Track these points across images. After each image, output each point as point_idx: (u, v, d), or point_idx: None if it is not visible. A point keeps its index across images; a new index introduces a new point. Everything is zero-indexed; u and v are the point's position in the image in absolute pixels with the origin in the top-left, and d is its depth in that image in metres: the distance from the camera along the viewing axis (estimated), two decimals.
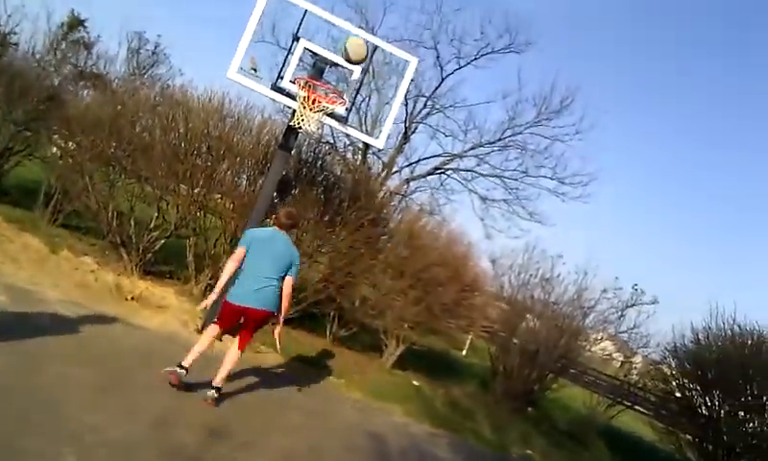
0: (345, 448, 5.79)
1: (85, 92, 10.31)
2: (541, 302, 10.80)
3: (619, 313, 11.12)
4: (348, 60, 7.40)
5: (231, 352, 5.86)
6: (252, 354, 7.53)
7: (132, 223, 8.69)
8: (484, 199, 17.58)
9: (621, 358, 12.47)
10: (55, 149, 10.06)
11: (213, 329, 5.81)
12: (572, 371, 11.50)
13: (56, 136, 9.84)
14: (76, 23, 10.39)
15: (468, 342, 13.65)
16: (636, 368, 12.05)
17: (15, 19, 9.50)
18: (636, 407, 12.19)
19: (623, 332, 11.38)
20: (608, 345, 12.52)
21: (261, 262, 5.73)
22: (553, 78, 28.08)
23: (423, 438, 7.21)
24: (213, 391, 5.57)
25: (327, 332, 9.32)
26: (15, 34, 9.64)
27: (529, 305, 10.90)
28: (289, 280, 5.82)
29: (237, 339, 5.94)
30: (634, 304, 11.33)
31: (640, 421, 12.82)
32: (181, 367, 5.47)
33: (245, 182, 9.44)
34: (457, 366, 12.45)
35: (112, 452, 3.98)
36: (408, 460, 6.20)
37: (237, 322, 5.90)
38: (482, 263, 10.69)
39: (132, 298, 7.58)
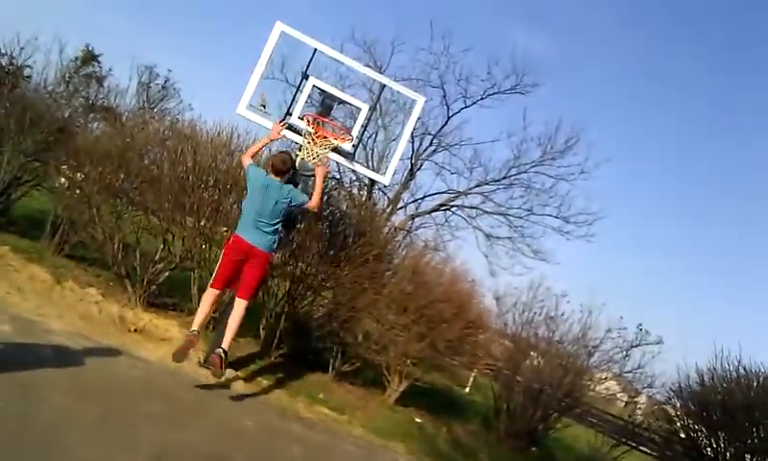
0: None
1: (96, 125, 10.43)
2: (546, 340, 10.76)
3: (624, 353, 11.07)
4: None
5: (236, 313, 6.61)
6: (255, 387, 7.54)
7: (138, 254, 8.72)
8: (488, 236, 17.70)
9: (626, 398, 12.38)
10: (63, 180, 10.13)
11: (211, 294, 6.61)
12: (576, 410, 11.39)
13: (64, 167, 9.92)
14: (89, 58, 10.61)
15: (472, 379, 13.57)
16: (640, 408, 11.95)
17: (28, 52, 9.63)
18: (642, 448, 12.06)
19: (628, 372, 11.31)
20: (612, 384, 12.42)
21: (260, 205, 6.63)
22: (558, 118, 28.33)
23: None
24: (221, 350, 6.31)
25: (330, 367, 9.28)
26: (29, 66, 9.78)
27: (533, 343, 10.87)
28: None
29: (238, 293, 6.65)
30: (638, 345, 11.27)
31: None
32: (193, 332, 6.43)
33: None
34: (460, 403, 12.36)
35: None
36: None
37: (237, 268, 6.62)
38: (486, 300, 10.69)
39: (136, 330, 7.59)
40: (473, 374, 12.77)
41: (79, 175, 9.50)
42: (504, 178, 17.21)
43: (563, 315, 10.74)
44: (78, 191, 9.40)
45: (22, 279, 7.39)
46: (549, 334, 10.75)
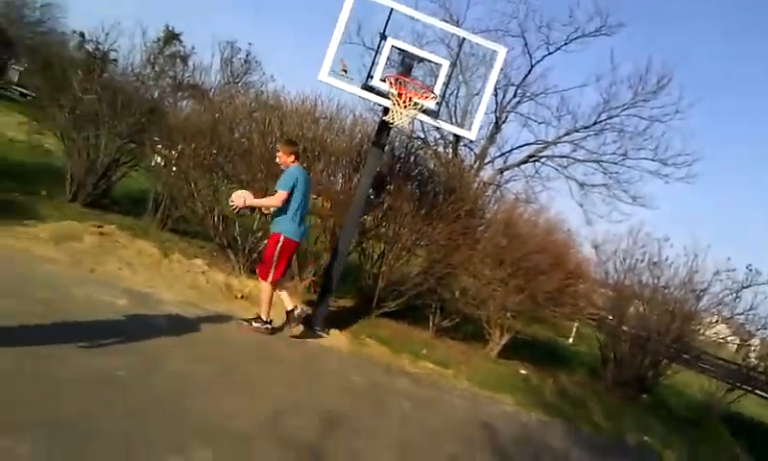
0: (459, 438, 5.75)
1: (184, 103, 10.69)
2: (650, 286, 10.39)
3: (734, 295, 10.55)
4: None
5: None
6: (359, 347, 7.63)
7: (237, 225, 8.96)
8: (582, 185, 17.23)
9: (738, 342, 11.84)
10: (158, 158, 10.49)
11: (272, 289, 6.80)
12: (686, 356, 10.98)
13: (158, 146, 10.26)
14: (171, 37, 10.84)
15: (574, 330, 13.32)
16: (754, 351, 11.40)
17: (113, 37, 9.92)
18: (758, 392, 11.53)
19: (739, 314, 10.78)
20: (722, 328, 11.90)
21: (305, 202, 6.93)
22: (648, 57, 27.13)
23: (536, 427, 7.08)
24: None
25: (430, 324, 9.30)
26: (114, 51, 10.08)
27: (637, 290, 10.52)
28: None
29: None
30: (749, 285, 10.72)
31: (763, 406, 12.16)
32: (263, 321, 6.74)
33: (340, 181, 9.57)
34: (564, 354, 12.16)
35: (236, 443, 4.09)
36: (523, 450, 6.08)
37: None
38: (584, 250, 10.42)
39: (242, 296, 7.83)
40: (576, 324, 12.52)
41: (173, 152, 9.81)
42: (594, 123, 16.65)
43: (666, 260, 10.34)
44: (174, 168, 9.71)
45: (131, 254, 7.70)
46: (653, 280, 10.36)
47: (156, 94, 10.19)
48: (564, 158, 17.27)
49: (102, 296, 5.83)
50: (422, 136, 15.10)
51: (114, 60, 10.02)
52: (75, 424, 3.60)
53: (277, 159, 7.02)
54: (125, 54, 10.07)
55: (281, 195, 6.71)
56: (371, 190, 8.22)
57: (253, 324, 6.74)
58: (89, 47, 9.96)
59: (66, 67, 9.72)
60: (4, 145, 13.49)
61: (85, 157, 9.48)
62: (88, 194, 9.52)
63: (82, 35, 10.07)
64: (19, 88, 40.43)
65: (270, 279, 6.71)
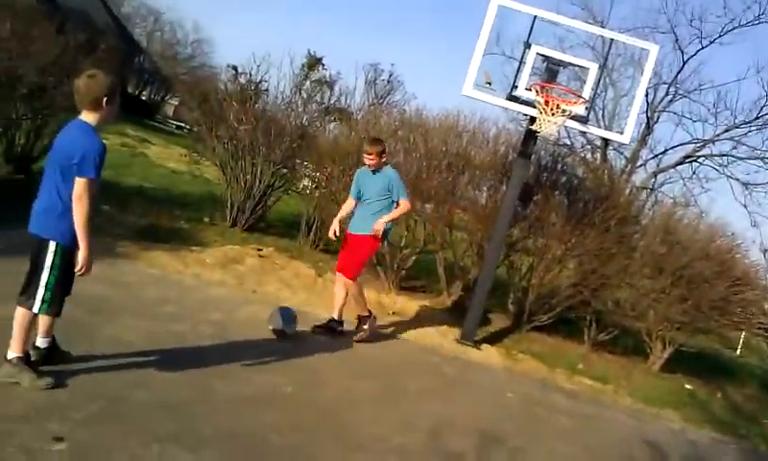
0: (624, 457, 5.51)
1: (331, 126, 11.04)
2: None
3: None
4: None
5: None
6: (512, 362, 7.52)
7: (386, 243, 9.13)
8: (745, 184, 16.06)
9: None
10: (306, 181, 10.90)
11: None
12: None
13: (308, 170, 10.65)
14: (314, 62, 11.18)
15: (741, 340, 12.42)
16: None
17: (263, 68, 10.43)
18: None
19: None
20: None
21: None
22: None
23: (707, 445, 6.65)
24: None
25: (585, 337, 8.99)
26: (265, 81, 10.59)
27: None
28: None
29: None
30: None
31: None
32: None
33: (486, 194, 9.52)
34: (731, 366, 11.36)
35: (398, 458, 4.15)
36: None
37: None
38: (751, 255, 9.68)
39: (394, 313, 7.96)
40: (742, 334, 11.67)
41: (322, 175, 10.15)
42: (756, 118, 15.45)
43: None
44: (324, 190, 10.06)
45: (288, 275, 8.05)
46: None
47: (305, 120, 10.59)
48: (724, 157, 16.17)
49: (264, 315, 6.11)
50: (569, 143, 14.72)
51: (266, 90, 10.53)
52: (247, 439, 3.79)
53: (369, 162, 6.41)
54: (275, 83, 10.56)
55: (408, 201, 6.55)
56: (517, 202, 8.08)
57: (363, 327, 6.60)
58: (242, 79, 10.54)
59: (222, 100, 10.35)
60: (168, 176, 14.54)
61: (243, 184, 10.02)
62: (247, 219, 10.05)
63: (234, 68, 10.66)
64: (175, 122, 43.57)
65: (355, 276, 6.50)
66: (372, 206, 6.42)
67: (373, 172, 6.43)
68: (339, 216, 6.63)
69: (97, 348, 4.41)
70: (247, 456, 3.60)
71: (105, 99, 3.60)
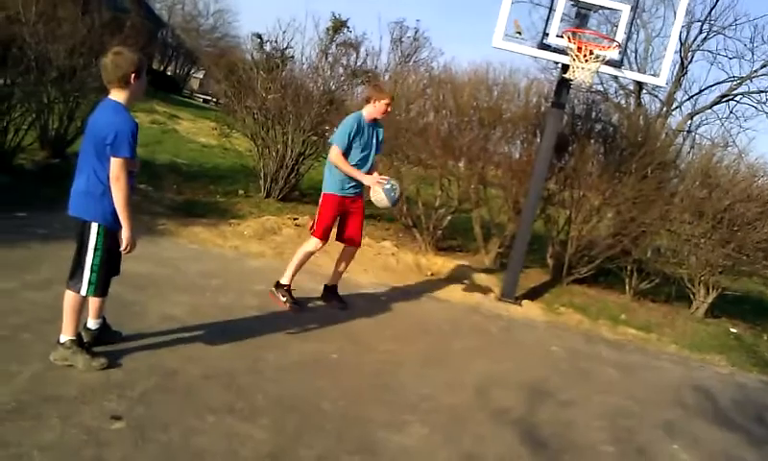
0: (673, 404, 5.47)
1: (359, 89, 10.96)
2: None
3: None
4: None
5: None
6: (554, 316, 7.49)
7: (420, 204, 9.12)
8: None
9: None
10: None
11: None
12: None
13: None
14: (339, 25, 11.06)
15: None
16: None
17: (289, 34, 10.37)
18: None
19: None
20: None
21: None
22: None
23: (756, 388, 6.58)
24: None
25: (627, 287, 8.90)
26: (291, 47, 10.53)
27: None
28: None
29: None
30: None
31: None
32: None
33: (519, 148, 9.39)
34: None
35: (449, 418, 4.17)
36: (745, 412, 5.66)
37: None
38: None
39: (432, 274, 7.96)
40: None
41: None
42: None
43: None
44: None
45: None
46: None
47: (333, 84, 10.53)
48: (763, 93, 15.72)
49: (306, 284, 6.15)
50: (602, 89, 14.44)
51: (292, 56, 10.48)
52: (299, 406, 3.84)
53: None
54: (300, 49, 10.51)
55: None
56: (552, 154, 7.96)
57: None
58: (267, 48, 10.50)
59: (249, 70, 10.33)
60: (199, 151, 14.64)
61: (275, 154, 10.04)
62: (281, 189, 10.09)
63: (259, 36, 10.62)
64: (202, 95, 43.74)
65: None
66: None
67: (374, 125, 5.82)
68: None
69: (147, 325, 4.49)
70: (300, 423, 3.65)
71: (133, 75, 3.60)
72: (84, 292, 3.68)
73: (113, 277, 3.89)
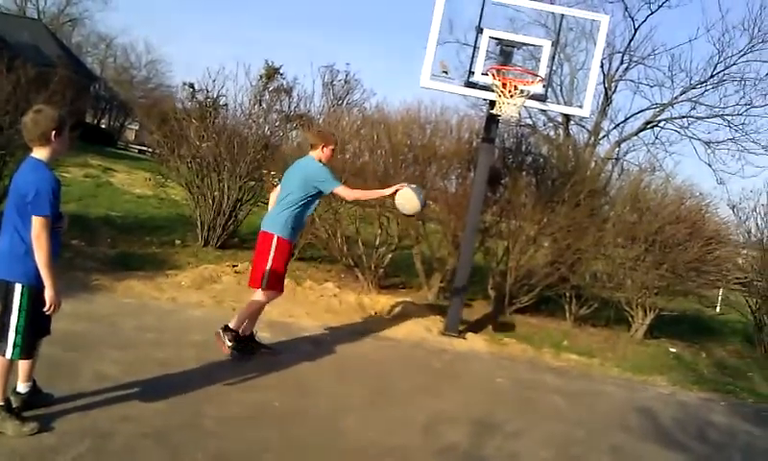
0: (620, 428, 5.54)
1: (294, 133, 10.99)
2: None
3: None
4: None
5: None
6: (498, 347, 7.55)
7: (360, 244, 9.12)
8: (707, 143, 16.29)
9: None
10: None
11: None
12: None
13: (276, 180, 10.57)
14: (272, 72, 11.12)
15: (720, 297, 12.59)
16: None
17: (220, 82, 10.35)
18: None
19: None
20: None
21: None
22: None
23: (697, 405, 6.73)
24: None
25: (567, 313, 9.06)
26: (223, 95, 10.51)
27: None
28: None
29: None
30: None
31: None
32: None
33: (455, 183, 9.52)
34: (713, 325, 11.51)
35: (397, 459, 4.13)
36: (687, 430, 5.78)
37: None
38: (721, 212, 9.81)
39: (376, 313, 7.94)
40: (720, 291, 11.83)
41: None
42: (711, 76, 15.64)
43: None
44: None
45: None
46: None
47: (267, 130, 10.52)
48: (684, 118, 16.36)
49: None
50: (531, 123, 14.82)
51: (225, 104, 10.44)
52: (241, 460, 3.74)
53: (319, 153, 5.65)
54: (233, 97, 10.49)
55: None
56: (486, 187, 8.11)
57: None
58: (200, 96, 10.44)
59: (181, 119, 10.24)
60: (134, 203, 14.36)
61: (211, 201, 9.92)
62: (219, 236, 9.96)
63: (191, 85, 10.56)
64: (137, 146, 43.15)
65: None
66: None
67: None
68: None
69: (80, 385, 4.32)
70: None
71: (53, 132, 3.53)
72: (9, 355, 3.53)
73: (43, 337, 3.76)
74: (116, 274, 7.56)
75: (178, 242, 9.86)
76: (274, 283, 5.49)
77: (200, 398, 4.52)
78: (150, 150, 15.54)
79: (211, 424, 4.13)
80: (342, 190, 5.60)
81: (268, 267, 5.43)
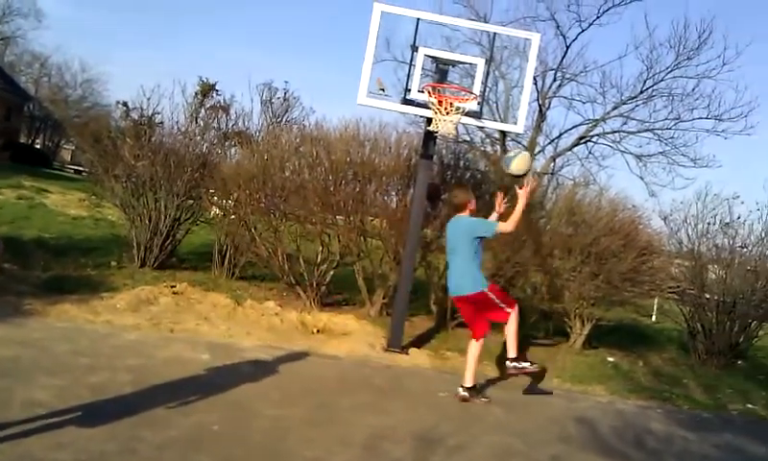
0: (559, 439, 5.61)
1: (232, 151, 10.91)
2: (727, 248, 10.02)
3: None
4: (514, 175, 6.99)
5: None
6: (441, 361, 7.59)
7: (302, 261, 9.08)
8: (639, 157, 16.80)
9: None
10: (216, 210, 10.69)
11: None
12: None
13: (215, 198, 10.45)
14: (208, 89, 11.07)
15: (656, 307, 12.96)
16: None
17: (155, 100, 10.20)
18: None
19: None
20: None
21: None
22: (684, 14, 26.31)
23: (635, 413, 6.88)
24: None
25: None
26: (158, 113, 10.37)
27: (714, 255, 10.16)
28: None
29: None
30: None
31: None
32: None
33: (395, 199, 9.57)
34: (649, 333, 11.82)
35: None
36: (625, 438, 5.90)
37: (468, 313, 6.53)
38: (653, 223, 10.11)
39: (318, 331, 7.90)
40: (656, 301, 12.17)
41: (229, 201, 10.00)
42: (641, 92, 16.14)
43: (739, 218, 9.95)
44: (233, 216, 9.90)
45: (206, 308, 7.88)
46: (729, 242, 10.00)
47: (205, 147, 10.41)
48: (617, 133, 16.83)
49: (185, 353, 5.96)
50: (469, 139, 15.04)
51: (160, 122, 10.29)
52: None
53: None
54: (169, 114, 10.34)
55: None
56: (426, 202, 8.18)
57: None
58: (134, 115, 10.27)
59: (115, 138, 10.04)
60: (69, 224, 13.96)
61: (148, 221, 9.74)
62: (156, 257, 9.77)
63: (125, 104, 10.40)
64: (73, 166, 42.08)
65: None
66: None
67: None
68: None
69: (11, 414, 4.16)
70: None
71: None
72: None
73: None
74: (50, 297, 7.35)
75: (113, 263, 9.63)
76: (506, 299, 6.41)
77: (137, 422, 4.40)
78: (85, 170, 15.20)
79: (148, 450, 4.02)
80: (502, 226, 6.35)
81: (494, 299, 6.28)
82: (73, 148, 50.33)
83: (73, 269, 8.98)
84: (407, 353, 7.61)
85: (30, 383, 4.78)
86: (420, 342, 8.15)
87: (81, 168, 33.80)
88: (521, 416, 6.15)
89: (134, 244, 9.82)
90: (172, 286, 8.41)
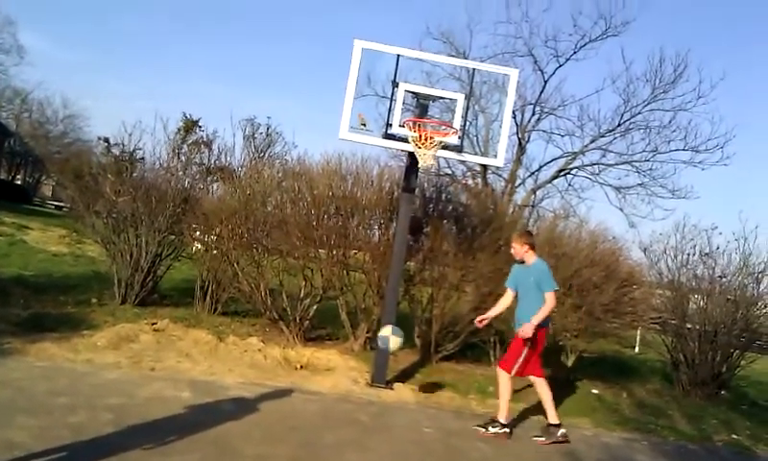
0: None
1: (215, 186, 10.88)
2: (707, 279, 10.13)
3: None
4: None
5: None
6: (424, 394, 7.55)
7: (285, 296, 9.03)
8: (618, 189, 16.90)
9: None
10: (198, 245, 10.64)
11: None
12: (758, 343, 10.64)
13: (197, 233, 10.41)
14: (191, 125, 11.07)
15: (638, 338, 13.01)
16: None
17: (136, 136, 10.19)
18: None
19: None
20: None
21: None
22: (660, 49, 26.79)
23: (620, 446, 6.87)
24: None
25: (492, 359, 9.16)
26: (140, 149, 10.35)
27: (694, 285, 10.26)
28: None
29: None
30: None
31: None
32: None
33: (377, 233, 9.59)
34: (632, 364, 11.85)
35: None
36: None
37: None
38: (633, 255, 10.21)
39: (301, 366, 7.84)
40: (638, 332, 12.23)
41: (211, 236, 9.97)
42: (618, 125, 16.32)
43: (718, 249, 10.09)
44: (215, 251, 9.86)
45: (187, 345, 7.79)
46: (709, 272, 10.12)
47: (187, 183, 10.39)
48: (595, 166, 17.00)
49: (166, 392, 5.88)
50: (450, 172, 15.13)
51: (141, 158, 10.28)
52: None
53: (513, 252, 6.77)
54: (150, 150, 10.33)
55: (554, 296, 6.54)
56: (409, 236, 8.20)
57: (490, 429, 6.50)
58: (116, 150, 10.24)
59: (96, 174, 10.00)
60: (49, 261, 13.81)
61: (129, 257, 9.67)
62: (137, 294, 9.69)
63: (107, 140, 10.38)
64: (54, 202, 41.82)
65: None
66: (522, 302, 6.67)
67: (523, 264, 6.71)
68: (494, 312, 6.94)
69: None
70: None
71: None
72: None
73: None
74: (29, 336, 7.23)
75: (94, 300, 9.53)
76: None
77: None
78: (66, 206, 15.13)
79: None
80: (551, 297, 6.46)
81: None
82: (54, 183, 50.10)
83: (53, 306, 8.87)
84: (392, 388, 7.56)
85: (7, 424, 4.68)
86: (404, 376, 8.11)
87: (61, 204, 33.62)
88: (506, 452, 6.10)
89: (115, 281, 9.74)
90: (153, 323, 8.33)
